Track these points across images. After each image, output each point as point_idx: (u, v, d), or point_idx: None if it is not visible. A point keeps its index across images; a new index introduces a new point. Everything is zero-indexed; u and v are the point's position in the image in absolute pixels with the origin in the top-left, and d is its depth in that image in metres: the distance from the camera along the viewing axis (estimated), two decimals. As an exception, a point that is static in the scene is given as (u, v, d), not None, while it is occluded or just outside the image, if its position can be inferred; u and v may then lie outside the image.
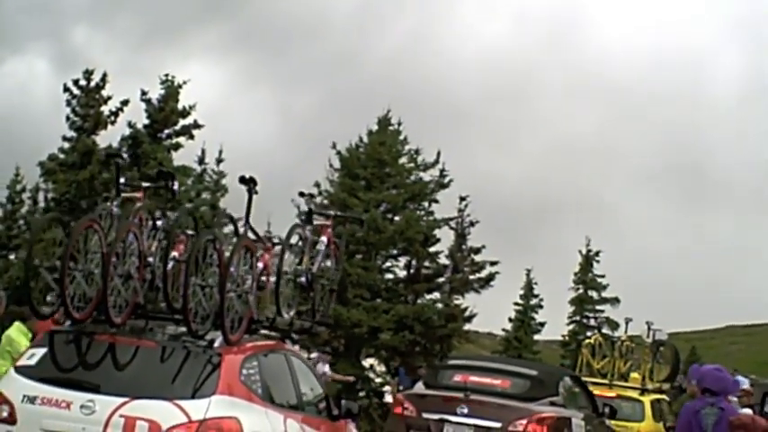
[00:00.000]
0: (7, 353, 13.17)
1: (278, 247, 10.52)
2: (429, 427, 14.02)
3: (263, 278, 9.95)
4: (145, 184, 10.17)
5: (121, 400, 8.15)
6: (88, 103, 30.32)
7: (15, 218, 32.90)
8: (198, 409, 8.14)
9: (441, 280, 37.45)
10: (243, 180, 10.01)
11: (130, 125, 30.77)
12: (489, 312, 43.54)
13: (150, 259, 9.30)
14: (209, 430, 8.09)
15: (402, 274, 37.07)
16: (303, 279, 10.59)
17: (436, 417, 14.04)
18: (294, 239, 10.60)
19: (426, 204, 37.92)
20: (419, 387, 15.34)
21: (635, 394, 22.06)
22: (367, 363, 34.59)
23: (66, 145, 30.55)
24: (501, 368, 15.42)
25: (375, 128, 38.32)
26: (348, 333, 33.08)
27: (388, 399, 35.39)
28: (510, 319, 41.85)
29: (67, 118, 30.72)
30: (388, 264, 37.01)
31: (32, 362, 8.69)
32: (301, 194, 11.36)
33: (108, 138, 30.68)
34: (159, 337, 8.84)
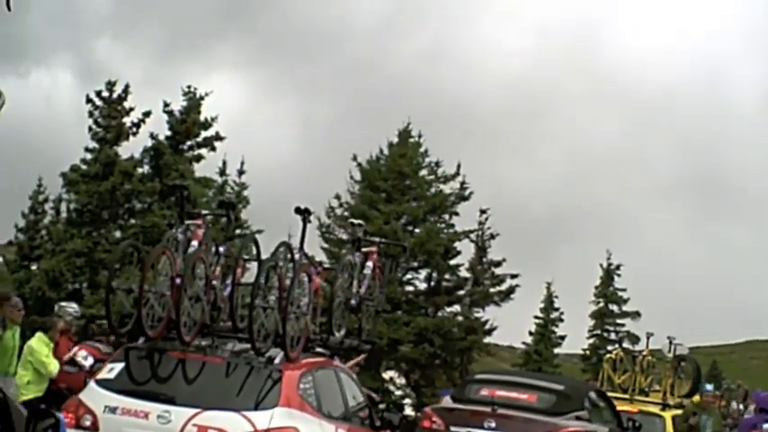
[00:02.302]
0: (29, 363, 13.22)
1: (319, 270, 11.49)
2: None
3: (315, 300, 10.86)
4: (205, 212, 11.14)
5: (194, 411, 8.99)
6: (110, 115, 30.45)
7: (38, 228, 32.98)
8: (262, 419, 9.01)
9: (461, 293, 37.42)
10: (298, 210, 10.93)
11: (152, 136, 30.91)
12: (510, 326, 43.41)
13: (214, 282, 10.18)
14: None
15: (422, 286, 37.08)
16: (354, 302, 11.85)
17: (464, 430, 14.12)
18: (345, 265, 11.85)
19: (447, 217, 37.92)
20: (447, 401, 15.40)
21: (656, 409, 21.84)
22: (387, 375, 34.57)
23: (89, 156, 30.68)
24: (527, 382, 15.47)
25: (395, 140, 38.41)
26: (366, 343, 33.04)
27: (408, 411, 35.38)
28: (530, 333, 41.74)
29: (90, 129, 30.87)
30: (408, 276, 37.03)
31: (111, 375, 9.55)
32: (299, 211, 11.39)
33: (130, 149, 30.84)
34: (225, 354, 9.70)
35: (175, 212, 28.71)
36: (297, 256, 10.78)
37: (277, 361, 9.61)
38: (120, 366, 9.63)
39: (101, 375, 9.67)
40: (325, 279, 12.05)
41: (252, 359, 9.57)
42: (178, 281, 9.56)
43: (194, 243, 10.15)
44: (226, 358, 9.61)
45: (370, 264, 12.27)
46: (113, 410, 9.19)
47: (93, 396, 9.40)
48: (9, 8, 5.41)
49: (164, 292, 9.65)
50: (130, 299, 9.66)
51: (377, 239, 13.54)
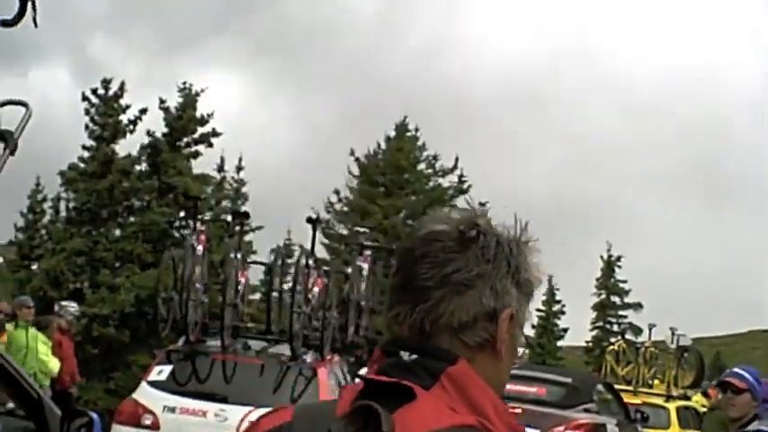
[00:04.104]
0: (39, 361, 13.14)
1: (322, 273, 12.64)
2: None
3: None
4: (222, 219, 12.58)
5: (248, 408, 9.66)
6: (107, 112, 30.31)
7: (37, 227, 32.87)
8: None
9: (462, 287, 37.31)
10: (309, 220, 12.17)
11: (149, 134, 30.78)
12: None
13: (240, 288, 11.33)
14: None
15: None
16: (363, 303, 13.18)
17: None
18: (355, 270, 13.23)
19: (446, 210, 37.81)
20: None
21: (660, 401, 21.81)
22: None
23: (86, 154, 30.54)
24: (536, 376, 15.64)
25: (393, 134, 38.37)
26: (369, 341, 33.04)
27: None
28: (533, 326, 41.72)
29: (86, 127, 30.69)
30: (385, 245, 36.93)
31: (163, 377, 10.45)
32: (309, 220, 12.82)
33: (127, 146, 30.70)
34: (262, 355, 10.83)
35: (174, 210, 28.74)
36: (310, 262, 11.82)
37: (309, 360, 10.81)
38: (168, 368, 10.52)
39: (151, 377, 10.52)
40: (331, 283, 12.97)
41: (284, 359, 10.66)
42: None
43: (200, 248, 11.19)
44: (265, 359, 10.69)
45: (365, 265, 13.49)
46: (172, 410, 10.05)
47: (150, 397, 10.23)
48: (36, 25, 5.45)
49: (202, 299, 10.99)
50: (168, 305, 10.91)
51: (372, 244, 15.03)
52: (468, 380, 1.63)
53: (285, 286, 12.84)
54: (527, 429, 14.28)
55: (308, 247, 12.55)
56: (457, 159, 38.45)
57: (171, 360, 10.71)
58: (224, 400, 10.10)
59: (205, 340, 10.96)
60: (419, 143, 38.44)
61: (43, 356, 13.15)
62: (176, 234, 29.15)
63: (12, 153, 6.04)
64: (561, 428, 13.77)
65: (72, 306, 15.21)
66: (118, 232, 28.83)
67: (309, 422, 1.70)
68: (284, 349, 10.94)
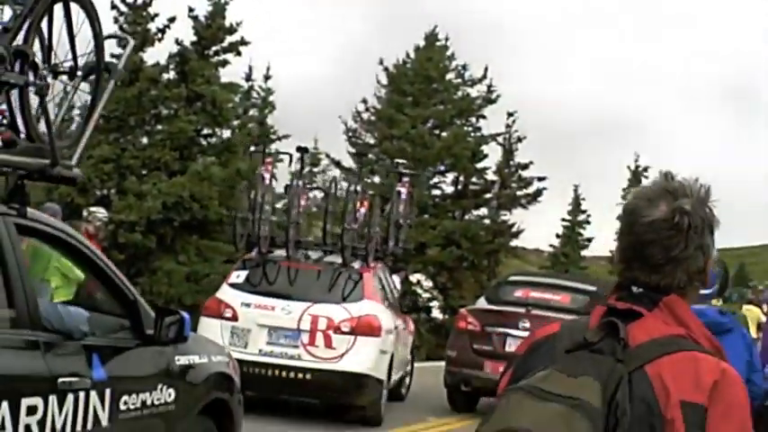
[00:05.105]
0: (56, 268, 13.31)
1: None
2: (492, 340, 14.60)
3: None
4: (283, 152, 16.33)
5: (307, 304, 12.71)
6: (135, 21, 30.27)
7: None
8: (355, 309, 12.80)
9: (488, 196, 37.46)
10: (299, 149, 14.98)
11: (178, 42, 30.76)
12: (536, 229, 43.39)
13: (300, 209, 14.13)
14: (363, 322, 12.66)
15: (449, 189, 37.16)
16: (401, 221, 16.27)
17: (499, 330, 14.60)
18: (395, 194, 16.60)
19: (474, 120, 37.80)
20: (481, 302, 15.85)
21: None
22: (414, 278, 34.85)
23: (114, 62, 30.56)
24: (561, 284, 16.01)
25: (422, 44, 38.13)
26: (405, 251, 33.29)
27: (436, 314, 35.64)
28: (557, 235, 41.66)
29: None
30: (435, 180, 37.09)
31: (240, 280, 13.12)
32: (299, 149, 15.11)
33: (155, 55, 30.71)
34: (319, 262, 13.56)
35: (201, 118, 28.86)
36: (359, 188, 15.16)
37: (356, 266, 13.52)
38: (244, 273, 13.19)
39: (231, 280, 13.22)
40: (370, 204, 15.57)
41: (336, 266, 13.33)
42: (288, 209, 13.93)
43: (267, 176, 13.94)
44: (319, 266, 13.41)
45: (404, 189, 16.63)
46: (248, 305, 12.74)
47: (229, 295, 12.97)
48: None
49: (270, 219, 13.69)
50: (243, 224, 13.72)
51: (409, 172, 18.46)
52: (678, 306, 2.42)
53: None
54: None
55: (299, 170, 15.04)
56: (486, 69, 38.23)
57: (246, 267, 13.36)
58: (288, 298, 12.82)
59: (273, 251, 13.59)
60: (448, 53, 38.19)
61: (70, 262, 13.32)
62: (203, 142, 29.35)
63: (116, 83, 6.69)
64: None
65: (101, 212, 15.30)
66: (145, 140, 28.96)
67: (569, 331, 2.53)
68: (336, 258, 13.54)
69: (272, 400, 13.06)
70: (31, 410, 5.01)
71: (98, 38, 6.30)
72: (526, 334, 14.22)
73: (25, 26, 5.63)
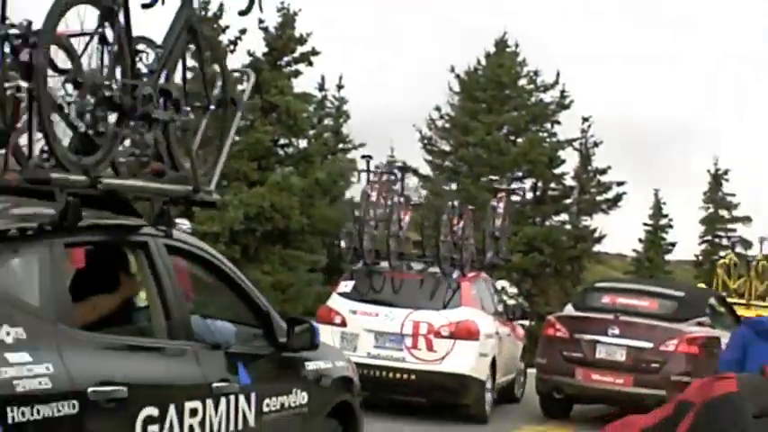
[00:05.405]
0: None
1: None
2: (582, 347, 14.41)
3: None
4: (383, 170, 15.73)
5: (408, 310, 13.69)
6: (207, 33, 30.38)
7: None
8: (454, 315, 13.70)
9: (568, 201, 37.29)
10: (363, 157, 15.92)
11: (250, 54, 30.87)
12: (618, 234, 42.85)
13: (402, 224, 14.99)
14: (461, 326, 13.52)
15: (528, 196, 36.91)
16: (498, 233, 17.39)
17: (588, 338, 14.40)
18: (491, 208, 17.74)
19: (548, 126, 37.61)
20: (569, 309, 15.75)
21: (775, 313, 21.42)
22: (498, 285, 34.57)
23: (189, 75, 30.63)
24: (648, 290, 15.87)
25: (492, 50, 37.96)
26: (505, 261, 33.22)
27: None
28: (640, 240, 41.12)
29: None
30: (513, 186, 36.84)
31: (348, 290, 14.25)
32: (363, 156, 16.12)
33: (228, 66, 30.73)
34: (420, 273, 14.52)
35: (277, 128, 28.88)
36: (456, 204, 16.02)
37: (455, 275, 14.38)
38: (351, 283, 14.31)
39: (340, 290, 14.39)
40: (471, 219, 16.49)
41: (437, 275, 14.25)
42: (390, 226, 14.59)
43: (373, 194, 14.73)
44: (422, 275, 14.37)
45: (501, 204, 17.87)
46: (354, 312, 13.83)
47: (338, 303, 14.10)
48: (261, 9, 6.53)
49: (373, 233, 14.53)
50: (349, 238, 14.60)
51: (504, 187, 20.27)
52: None
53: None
54: (639, 343, 14.54)
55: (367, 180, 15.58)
56: (558, 74, 38.09)
57: (353, 278, 14.40)
58: (391, 305, 13.85)
59: (378, 262, 14.44)
60: (519, 58, 38.01)
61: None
62: (280, 152, 29.37)
63: (242, 114, 7.27)
64: (675, 342, 14.00)
65: (185, 224, 15.22)
66: (224, 150, 29.05)
67: (752, 392, 2.25)
68: (437, 268, 14.39)
69: (383, 399, 13.75)
70: (193, 413, 5.56)
71: (225, 73, 6.93)
72: (616, 341, 14.19)
73: (166, 67, 6.15)
